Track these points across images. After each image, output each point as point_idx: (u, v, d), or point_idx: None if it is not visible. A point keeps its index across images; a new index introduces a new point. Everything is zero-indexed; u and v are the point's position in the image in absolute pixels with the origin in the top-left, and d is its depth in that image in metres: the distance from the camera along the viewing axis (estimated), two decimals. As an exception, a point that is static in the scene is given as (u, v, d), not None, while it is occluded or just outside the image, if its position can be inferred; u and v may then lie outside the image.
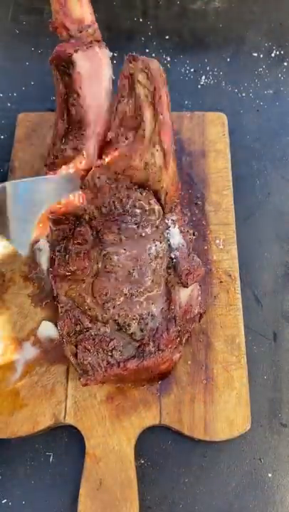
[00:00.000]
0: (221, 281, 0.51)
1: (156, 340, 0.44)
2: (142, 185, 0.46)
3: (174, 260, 0.46)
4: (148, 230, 0.46)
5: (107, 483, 0.43)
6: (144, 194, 0.46)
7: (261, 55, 0.72)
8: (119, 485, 0.43)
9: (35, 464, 0.46)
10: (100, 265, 0.45)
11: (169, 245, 0.47)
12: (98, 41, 0.47)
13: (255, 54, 0.72)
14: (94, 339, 0.44)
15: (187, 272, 0.45)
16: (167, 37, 0.73)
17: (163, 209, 0.47)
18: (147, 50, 0.72)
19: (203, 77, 0.70)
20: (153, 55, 0.71)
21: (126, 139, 0.44)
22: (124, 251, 0.45)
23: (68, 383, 0.46)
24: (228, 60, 0.71)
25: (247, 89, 0.69)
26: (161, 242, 0.46)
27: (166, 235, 0.47)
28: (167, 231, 0.47)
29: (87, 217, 0.46)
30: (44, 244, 0.51)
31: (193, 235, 0.51)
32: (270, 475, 0.46)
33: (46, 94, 0.67)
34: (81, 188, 0.45)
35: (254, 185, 0.61)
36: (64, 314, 0.45)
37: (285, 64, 0.71)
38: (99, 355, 0.43)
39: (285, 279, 0.54)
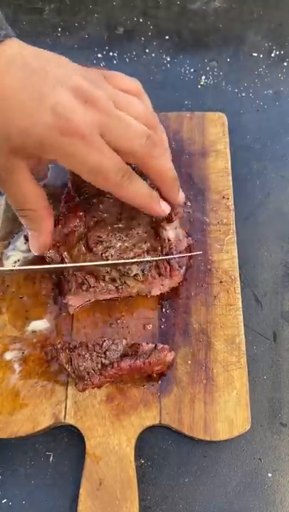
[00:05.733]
0: (221, 281, 0.51)
1: (162, 274, 0.47)
2: None
3: None
4: None
5: (107, 483, 0.43)
6: None
7: (261, 55, 0.72)
8: (119, 485, 0.43)
9: (35, 463, 0.46)
10: (88, 220, 0.48)
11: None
12: None
13: (255, 54, 0.72)
14: (87, 345, 0.45)
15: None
16: (167, 37, 0.73)
17: None
18: (147, 50, 0.72)
19: (203, 77, 0.70)
20: (153, 55, 0.71)
21: None
22: (107, 198, 0.49)
23: (68, 383, 0.46)
24: (228, 60, 0.71)
25: (247, 89, 0.69)
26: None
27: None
28: None
29: (69, 172, 0.50)
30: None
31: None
32: (270, 475, 0.46)
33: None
34: None
35: (254, 185, 0.61)
36: (71, 277, 0.48)
37: (285, 64, 0.71)
38: (93, 358, 0.44)
39: (285, 279, 0.54)
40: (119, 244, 0.47)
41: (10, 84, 0.37)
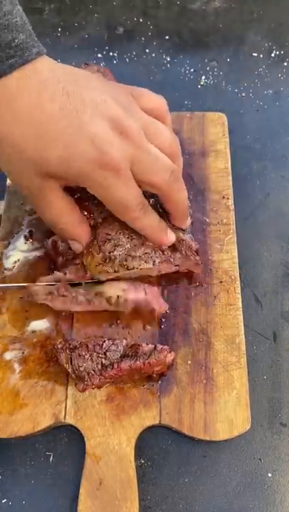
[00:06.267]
0: (221, 281, 0.51)
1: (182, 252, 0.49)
2: None
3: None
4: None
5: (107, 483, 0.43)
6: None
7: (261, 55, 0.72)
8: (119, 485, 0.43)
9: (35, 463, 0.46)
10: (96, 216, 0.48)
11: None
12: None
13: (255, 54, 0.72)
14: (87, 346, 0.45)
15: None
16: (167, 37, 0.73)
17: None
18: (147, 50, 0.72)
19: (203, 77, 0.70)
20: (153, 55, 0.71)
21: None
22: None
23: (68, 383, 0.46)
24: (228, 60, 0.71)
25: (247, 89, 0.69)
26: None
27: None
28: None
29: None
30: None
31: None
32: (270, 475, 0.46)
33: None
34: None
35: (254, 185, 0.61)
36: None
37: (285, 64, 0.71)
38: (93, 359, 0.44)
39: (285, 279, 0.54)
40: (127, 241, 0.47)
41: (51, 111, 0.37)
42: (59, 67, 0.39)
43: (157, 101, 0.46)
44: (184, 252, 0.49)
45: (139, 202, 0.43)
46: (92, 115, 0.38)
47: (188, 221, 0.51)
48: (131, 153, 0.40)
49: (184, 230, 0.50)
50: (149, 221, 0.45)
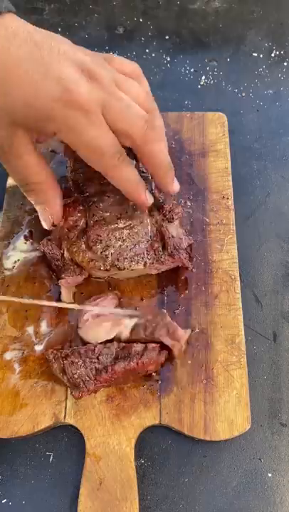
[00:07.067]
0: (221, 282, 0.51)
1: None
2: None
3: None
4: None
5: (107, 483, 0.43)
6: None
7: (261, 55, 0.72)
8: (119, 485, 0.43)
9: (35, 463, 0.46)
10: (88, 218, 0.48)
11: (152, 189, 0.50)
12: None
13: (255, 54, 0.72)
14: (79, 352, 0.44)
15: (170, 210, 0.49)
16: (167, 37, 0.73)
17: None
18: (147, 50, 0.72)
19: (203, 77, 0.70)
20: (153, 55, 0.71)
21: None
22: (107, 197, 0.49)
23: (68, 383, 0.46)
24: (228, 60, 0.71)
25: (247, 89, 0.69)
26: None
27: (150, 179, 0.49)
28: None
29: (69, 170, 0.51)
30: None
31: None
32: (270, 475, 0.46)
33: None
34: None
35: (254, 185, 0.61)
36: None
37: (285, 64, 0.71)
38: (86, 364, 0.44)
39: (285, 279, 0.54)
40: (118, 243, 0.47)
41: (15, 55, 0.36)
42: (29, 24, 0.39)
43: (131, 66, 0.45)
44: (170, 249, 0.48)
45: (116, 150, 0.41)
46: (59, 60, 0.38)
47: (176, 185, 0.47)
48: (101, 97, 0.39)
49: (172, 221, 0.49)
50: (126, 173, 0.43)
